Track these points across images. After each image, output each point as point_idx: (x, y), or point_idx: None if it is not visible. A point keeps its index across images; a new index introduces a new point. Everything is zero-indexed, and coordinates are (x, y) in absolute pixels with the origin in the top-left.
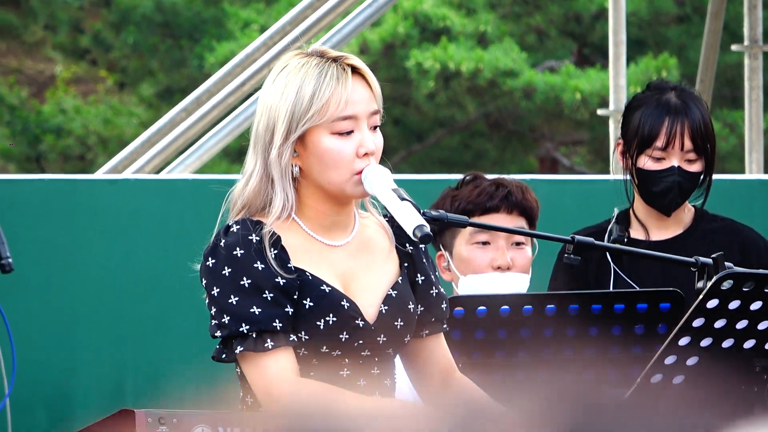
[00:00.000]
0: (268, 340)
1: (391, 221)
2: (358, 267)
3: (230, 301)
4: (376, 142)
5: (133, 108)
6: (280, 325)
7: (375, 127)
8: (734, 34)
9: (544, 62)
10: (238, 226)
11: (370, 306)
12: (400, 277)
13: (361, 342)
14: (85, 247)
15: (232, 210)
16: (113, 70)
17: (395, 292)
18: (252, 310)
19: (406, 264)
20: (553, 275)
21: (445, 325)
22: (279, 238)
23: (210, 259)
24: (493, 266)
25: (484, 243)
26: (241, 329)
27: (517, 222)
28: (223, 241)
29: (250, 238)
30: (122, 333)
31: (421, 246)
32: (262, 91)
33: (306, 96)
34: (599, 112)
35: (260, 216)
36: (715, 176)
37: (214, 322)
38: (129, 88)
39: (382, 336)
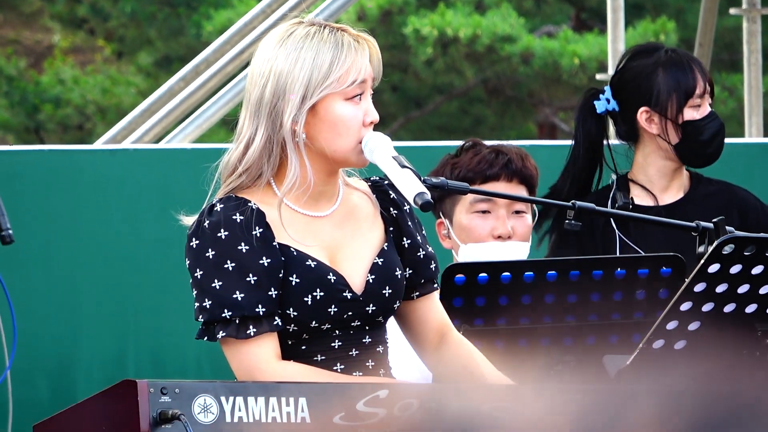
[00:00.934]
0: (251, 327)
1: (375, 185)
2: (343, 237)
3: (213, 285)
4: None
5: (132, 77)
6: (264, 309)
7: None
8: None
9: (542, 27)
10: (221, 205)
11: (357, 276)
12: (386, 244)
13: (350, 314)
14: (85, 218)
15: (226, 178)
16: (111, 39)
17: (381, 259)
18: (234, 296)
19: (391, 228)
20: (555, 243)
21: (435, 285)
22: (263, 214)
23: (194, 239)
24: (493, 235)
25: (485, 212)
26: (223, 315)
27: (517, 190)
28: (207, 221)
29: (234, 217)
30: (123, 304)
31: (405, 208)
32: (263, 58)
33: (325, 63)
34: (598, 77)
35: (247, 190)
36: None
37: (196, 304)
38: (127, 57)
39: (371, 305)
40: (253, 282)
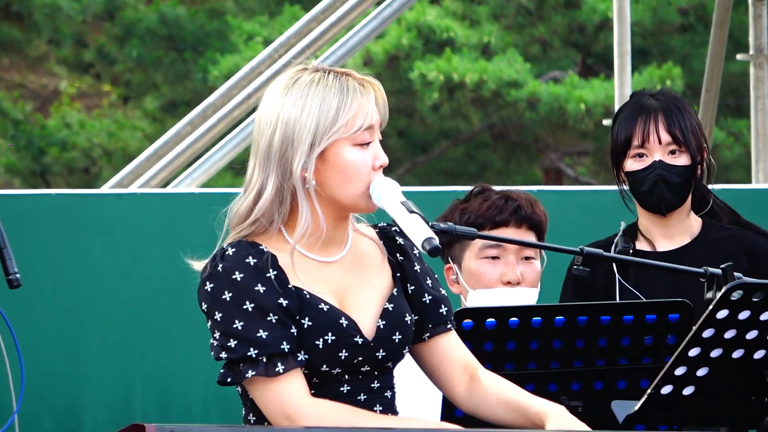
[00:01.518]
0: (279, 364)
1: (383, 232)
2: (352, 282)
3: (235, 325)
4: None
5: (138, 121)
6: (288, 346)
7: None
8: (739, 44)
9: (548, 73)
10: (233, 249)
11: (367, 321)
12: (395, 289)
13: (360, 359)
14: (92, 262)
15: (236, 226)
16: (117, 83)
17: (392, 305)
18: (259, 334)
19: (398, 274)
20: (563, 288)
21: (449, 326)
22: (276, 258)
23: (208, 283)
24: (502, 281)
25: (494, 257)
26: (249, 354)
27: (527, 236)
28: (221, 265)
29: (247, 260)
30: (130, 346)
31: (412, 254)
32: (270, 106)
33: (332, 109)
34: (604, 122)
35: (258, 236)
36: (720, 186)
37: (217, 343)
38: (133, 101)
39: (381, 351)
40: (274, 321)
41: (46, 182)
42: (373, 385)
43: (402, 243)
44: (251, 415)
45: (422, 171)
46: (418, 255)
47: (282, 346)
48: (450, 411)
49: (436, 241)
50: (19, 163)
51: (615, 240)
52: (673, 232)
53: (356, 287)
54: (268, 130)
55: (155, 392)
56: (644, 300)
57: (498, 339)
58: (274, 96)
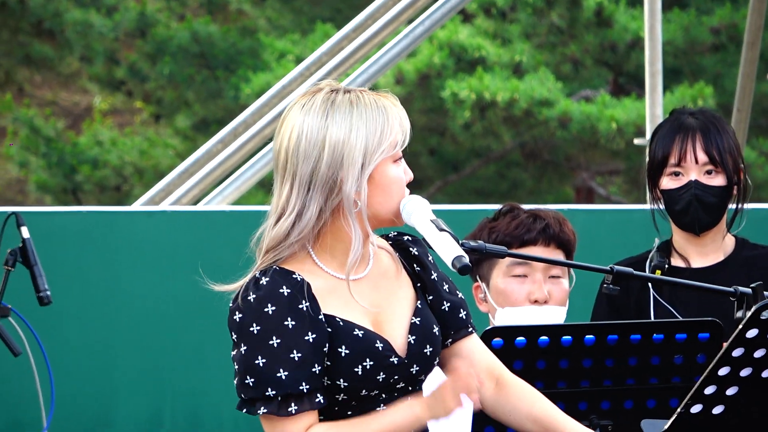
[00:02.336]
0: (292, 404)
1: (395, 242)
2: (380, 297)
3: (256, 362)
4: None
5: (169, 139)
6: (307, 387)
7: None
8: None
9: (580, 92)
10: (267, 279)
11: (398, 338)
12: (419, 302)
13: (396, 377)
14: (123, 279)
15: (270, 251)
16: (149, 101)
17: (418, 319)
18: (278, 375)
19: (418, 285)
20: (595, 304)
21: (470, 329)
22: (309, 285)
23: (237, 313)
24: (530, 299)
25: (522, 276)
26: (266, 393)
27: (555, 254)
28: (253, 295)
29: (281, 291)
30: (160, 364)
31: (427, 261)
32: (311, 129)
33: (378, 130)
34: (635, 141)
35: (288, 261)
36: (751, 205)
37: (237, 378)
38: (165, 119)
39: (415, 366)
40: (297, 359)
41: (77, 200)
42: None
43: (416, 253)
44: None
45: (453, 189)
46: (432, 262)
47: (300, 387)
48: (480, 430)
49: (466, 259)
50: (50, 180)
51: (650, 256)
52: (707, 251)
53: (385, 302)
54: (313, 153)
55: (185, 410)
56: (677, 318)
57: (528, 357)
58: (313, 118)
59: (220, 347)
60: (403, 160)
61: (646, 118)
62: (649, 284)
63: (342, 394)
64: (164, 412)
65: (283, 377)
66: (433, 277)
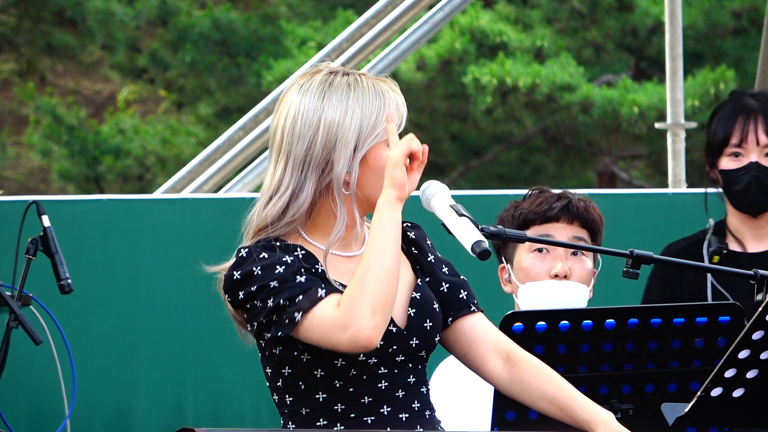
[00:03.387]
0: (319, 290)
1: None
2: None
3: (272, 284)
4: None
5: (191, 127)
6: (324, 291)
7: None
8: None
9: (601, 76)
10: (253, 242)
11: (398, 311)
12: (419, 279)
13: (395, 347)
14: (144, 267)
15: (261, 231)
16: (171, 89)
17: (419, 294)
18: (295, 281)
19: (417, 267)
20: (648, 288)
21: (472, 308)
22: (302, 247)
23: (235, 272)
24: (550, 274)
25: (541, 251)
26: (295, 299)
27: (578, 232)
28: (244, 252)
29: (272, 243)
30: (182, 351)
31: (425, 244)
32: (306, 110)
33: (373, 113)
34: (657, 125)
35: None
36: None
37: (260, 311)
38: (187, 107)
39: (414, 339)
40: (304, 279)
41: (100, 189)
42: (409, 380)
43: (413, 236)
44: (290, 423)
45: (475, 175)
46: (430, 245)
47: (318, 287)
48: (501, 414)
49: (486, 244)
50: (73, 169)
51: (707, 239)
52: (762, 234)
53: None
54: (308, 134)
55: (207, 397)
56: (696, 302)
57: (549, 342)
58: (310, 99)
59: None
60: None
61: (667, 102)
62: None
63: (340, 359)
64: (186, 400)
65: (303, 280)
66: (429, 259)
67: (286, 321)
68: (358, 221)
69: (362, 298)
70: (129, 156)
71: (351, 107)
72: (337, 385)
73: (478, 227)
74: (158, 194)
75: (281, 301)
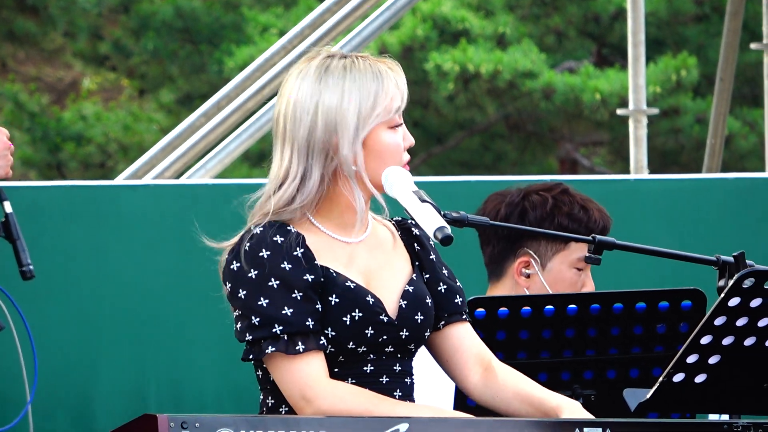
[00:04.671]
0: (299, 343)
1: (399, 224)
2: (376, 263)
3: (260, 303)
4: None
5: (153, 114)
6: (312, 323)
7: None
8: (753, 33)
9: (563, 63)
10: (261, 229)
11: (390, 302)
12: (415, 274)
13: (384, 338)
14: (106, 253)
15: (266, 215)
16: (133, 76)
17: (412, 287)
18: (284, 312)
19: (416, 263)
20: None
21: (464, 316)
22: (303, 237)
23: (234, 262)
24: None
25: (580, 269)
26: (273, 330)
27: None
28: (247, 244)
29: (274, 239)
30: (144, 338)
31: (428, 244)
32: (304, 94)
33: (371, 94)
34: (619, 112)
35: (285, 222)
36: (735, 174)
37: (240, 324)
38: (149, 94)
39: (405, 331)
40: (299, 297)
41: (62, 175)
42: (395, 368)
43: (418, 234)
44: (270, 398)
45: (437, 162)
46: (432, 246)
47: (306, 323)
48: (462, 400)
49: (448, 230)
50: (35, 155)
51: None
52: None
53: (380, 268)
54: (307, 119)
55: (169, 383)
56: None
57: (511, 328)
58: (307, 84)
59: (204, 320)
60: (403, 126)
61: (630, 88)
62: None
63: (330, 346)
64: (148, 386)
65: (289, 314)
66: (431, 257)
67: (260, 345)
68: (359, 204)
69: (341, 411)
70: (91, 143)
71: (348, 90)
72: None
73: (440, 213)
74: (120, 180)
75: (263, 326)
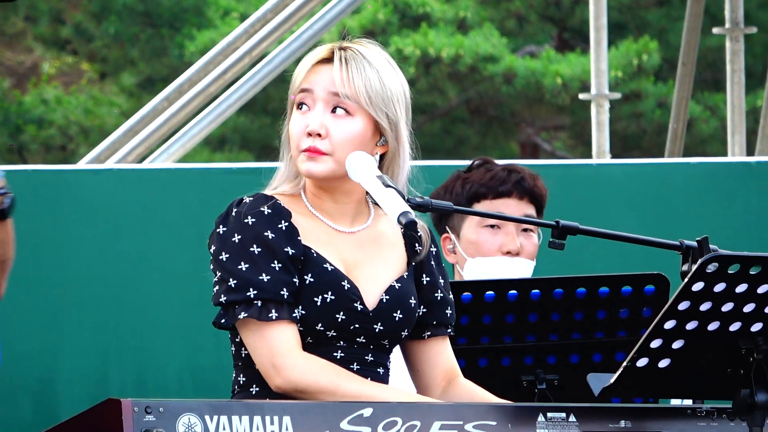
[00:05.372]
0: (273, 311)
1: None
2: (364, 257)
3: (239, 267)
4: (327, 123)
5: (114, 98)
6: (287, 294)
7: (334, 110)
8: (715, 17)
9: (525, 47)
10: (251, 198)
11: (371, 294)
12: (406, 273)
13: (356, 326)
14: (68, 238)
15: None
16: (94, 60)
17: (399, 284)
18: (261, 277)
19: (413, 264)
20: None
21: (450, 330)
22: (290, 213)
23: (221, 226)
24: (502, 251)
25: (494, 227)
26: (247, 294)
27: (526, 209)
28: (235, 210)
29: (261, 209)
30: (106, 322)
31: (432, 250)
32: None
33: (294, 78)
34: (581, 96)
35: (281, 197)
36: (696, 159)
37: (218, 287)
38: (110, 77)
39: (379, 325)
40: (278, 268)
41: (23, 159)
42: (366, 357)
43: (423, 237)
44: (241, 375)
45: None
46: (436, 254)
47: (282, 292)
48: None
49: (412, 215)
50: None
51: None
52: None
53: (367, 263)
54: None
55: (131, 368)
56: (621, 273)
57: (473, 313)
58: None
59: (166, 305)
60: (307, 106)
61: (591, 73)
62: None
63: (299, 325)
64: (110, 370)
65: (265, 280)
66: (433, 263)
67: (234, 310)
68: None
69: (319, 392)
70: (52, 126)
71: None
72: None
73: (404, 198)
74: (82, 165)
75: (239, 290)
